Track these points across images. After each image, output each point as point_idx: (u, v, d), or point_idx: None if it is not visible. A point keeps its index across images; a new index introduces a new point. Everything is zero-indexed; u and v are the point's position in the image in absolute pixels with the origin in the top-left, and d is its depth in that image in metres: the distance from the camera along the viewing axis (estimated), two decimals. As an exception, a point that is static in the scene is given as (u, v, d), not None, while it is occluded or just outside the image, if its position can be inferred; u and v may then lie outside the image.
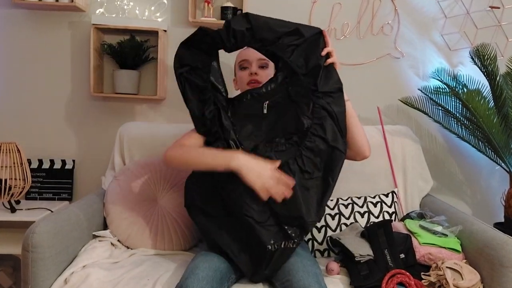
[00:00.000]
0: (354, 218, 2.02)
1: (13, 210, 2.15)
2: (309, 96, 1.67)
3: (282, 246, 1.57)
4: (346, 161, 2.19)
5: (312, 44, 1.67)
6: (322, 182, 1.64)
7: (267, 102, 1.73)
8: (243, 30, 1.61)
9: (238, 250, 1.61)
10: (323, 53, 1.65)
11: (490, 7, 2.45)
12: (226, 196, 1.62)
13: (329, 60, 1.66)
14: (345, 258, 1.77)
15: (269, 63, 1.87)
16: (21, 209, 2.19)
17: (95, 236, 1.94)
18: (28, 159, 2.35)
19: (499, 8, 2.45)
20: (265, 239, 1.55)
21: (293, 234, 1.57)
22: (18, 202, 2.27)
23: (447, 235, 1.81)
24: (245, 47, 1.81)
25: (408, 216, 2.07)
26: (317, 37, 1.67)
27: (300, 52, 1.66)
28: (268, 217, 1.58)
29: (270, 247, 1.54)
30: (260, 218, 1.56)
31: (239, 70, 1.88)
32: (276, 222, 1.58)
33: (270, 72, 1.88)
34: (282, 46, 1.65)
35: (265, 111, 1.74)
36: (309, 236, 1.98)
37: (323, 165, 1.64)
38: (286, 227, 1.57)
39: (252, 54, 1.84)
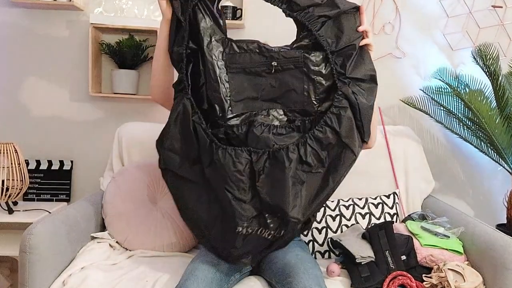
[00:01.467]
0: (355, 219, 2.01)
1: (10, 211, 2.15)
2: (332, 78, 1.47)
3: (258, 232, 1.43)
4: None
5: (346, 20, 1.47)
6: (321, 180, 1.46)
7: (275, 63, 1.48)
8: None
9: (211, 223, 1.49)
10: (360, 29, 1.48)
11: (492, 6, 2.44)
12: (212, 167, 1.44)
13: (364, 41, 1.50)
14: (346, 259, 1.77)
15: None
16: (19, 210, 2.19)
17: (93, 238, 1.93)
18: (25, 160, 2.34)
19: (501, 7, 2.44)
20: (238, 219, 1.40)
21: (271, 225, 1.43)
22: (15, 203, 2.27)
23: (449, 237, 1.80)
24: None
25: (409, 217, 2.06)
26: (352, 12, 1.48)
27: (331, 27, 1.46)
28: (250, 198, 1.42)
29: (240, 229, 1.41)
30: (240, 196, 1.41)
31: None
32: (257, 206, 1.42)
33: None
34: (311, 17, 1.45)
35: (272, 70, 1.49)
36: (309, 237, 1.96)
37: (329, 161, 1.45)
38: (266, 215, 1.42)
39: None
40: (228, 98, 1.47)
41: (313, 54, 1.48)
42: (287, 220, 1.41)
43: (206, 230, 1.50)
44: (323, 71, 1.47)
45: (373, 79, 1.49)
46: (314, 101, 1.48)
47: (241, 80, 1.49)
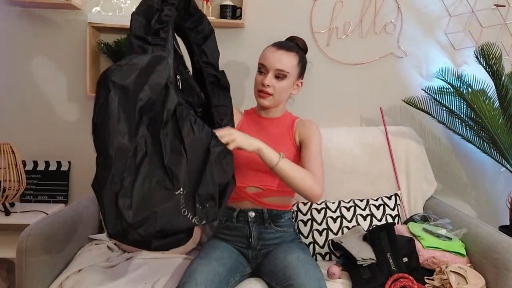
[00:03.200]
0: (356, 221, 2.00)
1: (7, 212, 2.14)
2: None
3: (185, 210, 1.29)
4: (349, 161, 2.18)
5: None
6: None
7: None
8: None
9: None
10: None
11: (495, 5, 2.42)
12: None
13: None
14: (347, 261, 1.76)
15: (287, 75, 1.75)
16: (16, 212, 2.17)
17: (91, 239, 1.92)
18: (23, 161, 2.32)
19: (504, 6, 2.42)
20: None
21: (197, 205, 1.31)
22: (12, 204, 2.25)
23: (451, 239, 1.80)
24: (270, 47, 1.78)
25: (411, 219, 2.05)
26: None
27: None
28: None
29: (181, 190, 1.27)
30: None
31: (257, 71, 1.80)
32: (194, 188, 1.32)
33: (286, 84, 1.77)
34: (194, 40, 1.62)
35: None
36: (310, 239, 1.95)
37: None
38: (197, 198, 1.32)
39: (273, 61, 1.74)
40: None
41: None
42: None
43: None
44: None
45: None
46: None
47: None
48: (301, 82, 1.85)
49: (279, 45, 1.78)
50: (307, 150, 1.73)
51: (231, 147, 1.45)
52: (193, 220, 1.30)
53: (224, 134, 1.45)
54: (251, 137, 1.53)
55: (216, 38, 1.67)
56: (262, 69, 1.77)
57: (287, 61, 1.74)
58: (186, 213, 1.28)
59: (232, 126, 1.66)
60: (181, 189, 1.26)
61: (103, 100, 1.20)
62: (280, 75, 1.74)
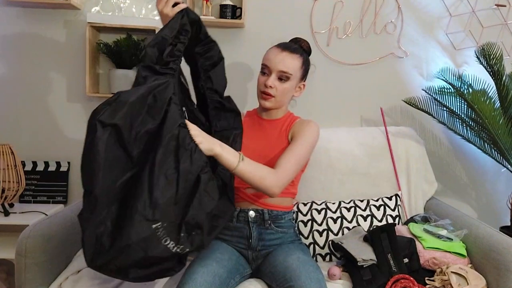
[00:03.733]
0: (357, 221, 1.99)
1: (6, 213, 2.13)
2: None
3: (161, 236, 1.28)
4: (349, 162, 2.17)
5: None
6: None
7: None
8: (196, 19, 1.53)
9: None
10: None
11: (496, 5, 2.41)
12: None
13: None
14: (348, 262, 1.75)
15: (290, 77, 1.74)
16: (15, 213, 2.17)
17: (90, 240, 1.90)
18: (22, 161, 2.32)
19: (505, 6, 2.42)
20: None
21: (182, 234, 1.32)
22: (11, 205, 2.25)
23: (452, 239, 1.79)
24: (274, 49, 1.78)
25: (412, 219, 2.04)
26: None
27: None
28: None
29: (158, 224, 1.27)
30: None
31: (260, 72, 1.79)
32: (182, 216, 1.32)
33: (289, 86, 1.76)
34: (203, 66, 1.66)
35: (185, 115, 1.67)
36: (310, 240, 1.94)
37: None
38: (183, 226, 1.32)
39: (276, 63, 1.73)
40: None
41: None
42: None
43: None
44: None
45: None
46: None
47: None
48: (304, 85, 1.84)
49: (283, 47, 1.76)
50: (290, 144, 1.72)
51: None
52: (175, 249, 1.30)
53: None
54: (212, 141, 1.45)
55: (224, 66, 1.71)
56: (265, 70, 1.76)
57: (291, 63, 1.73)
58: (167, 242, 1.29)
59: (239, 149, 1.66)
60: (159, 223, 1.26)
61: (90, 140, 1.22)
62: (283, 77, 1.73)
